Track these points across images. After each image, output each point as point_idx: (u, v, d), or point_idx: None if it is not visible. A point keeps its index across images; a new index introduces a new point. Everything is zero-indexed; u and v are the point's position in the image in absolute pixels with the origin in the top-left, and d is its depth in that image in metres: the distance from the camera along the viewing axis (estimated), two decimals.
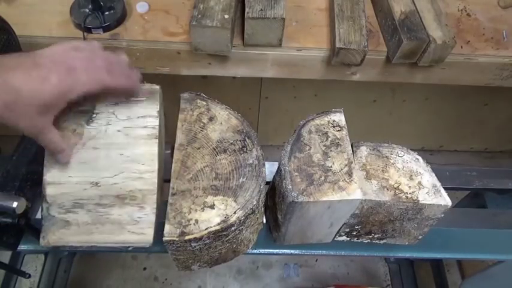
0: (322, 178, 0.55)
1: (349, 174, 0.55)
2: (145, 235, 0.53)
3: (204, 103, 0.63)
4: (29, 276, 0.79)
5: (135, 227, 0.53)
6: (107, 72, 0.51)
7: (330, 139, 0.59)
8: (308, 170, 0.55)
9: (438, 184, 0.59)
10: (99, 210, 0.53)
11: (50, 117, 0.50)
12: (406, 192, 0.57)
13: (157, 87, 0.59)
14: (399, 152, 0.62)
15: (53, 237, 0.53)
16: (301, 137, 0.59)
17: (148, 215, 0.54)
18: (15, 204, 0.52)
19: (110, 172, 0.54)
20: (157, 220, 0.55)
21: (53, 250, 1.13)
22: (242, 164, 0.57)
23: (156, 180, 0.54)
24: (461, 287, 1.12)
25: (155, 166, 0.55)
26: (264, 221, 0.67)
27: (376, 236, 0.66)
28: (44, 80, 0.46)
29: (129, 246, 0.54)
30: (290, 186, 0.53)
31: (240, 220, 0.53)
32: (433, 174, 0.60)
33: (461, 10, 1.03)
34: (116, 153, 0.54)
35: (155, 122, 0.56)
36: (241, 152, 0.58)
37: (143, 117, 0.56)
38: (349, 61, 0.90)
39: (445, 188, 0.58)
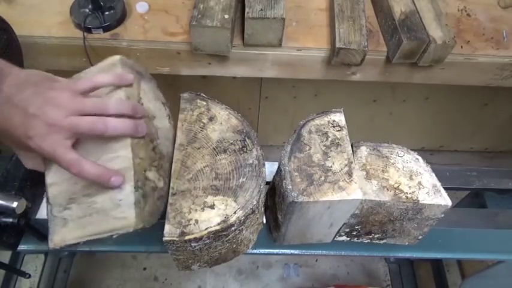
0: (322, 178, 0.55)
1: (349, 174, 0.55)
2: (127, 219, 0.49)
3: (204, 103, 0.63)
4: (29, 276, 0.79)
5: (118, 212, 0.50)
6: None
7: (330, 139, 0.59)
8: (308, 170, 0.55)
9: (438, 184, 0.58)
10: (86, 201, 0.51)
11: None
12: (406, 192, 0.57)
13: (117, 57, 0.55)
14: (399, 152, 0.62)
15: (56, 237, 0.52)
16: (301, 137, 0.59)
17: (128, 195, 0.50)
18: (15, 204, 0.52)
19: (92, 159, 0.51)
20: (140, 199, 0.50)
21: (57, 250, 1.13)
22: (242, 164, 0.57)
23: (130, 156, 0.50)
24: (461, 287, 1.12)
25: (128, 140, 0.51)
26: (264, 221, 0.67)
27: (376, 236, 0.66)
28: (28, 138, 0.46)
29: (113, 235, 0.50)
30: (290, 186, 0.53)
31: (240, 220, 0.53)
32: (433, 174, 0.60)
33: (461, 10, 1.03)
34: (94, 141, 0.52)
35: (121, 94, 0.53)
36: (241, 152, 0.58)
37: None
38: (349, 61, 0.90)
39: (445, 188, 0.58)
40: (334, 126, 0.60)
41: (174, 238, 0.50)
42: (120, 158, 0.50)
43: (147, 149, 0.52)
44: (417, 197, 0.57)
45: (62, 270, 1.40)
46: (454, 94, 1.49)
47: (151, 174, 0.52)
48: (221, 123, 0.61)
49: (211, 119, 0.61)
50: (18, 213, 0.54)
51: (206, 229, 0.51)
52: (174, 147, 0.58)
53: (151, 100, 0.57)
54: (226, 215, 0.52)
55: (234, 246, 0.59)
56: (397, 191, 0.57)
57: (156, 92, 0.60)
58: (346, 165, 0.56)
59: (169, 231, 0.51)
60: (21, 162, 0.54)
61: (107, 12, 0.90)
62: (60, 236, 0.51)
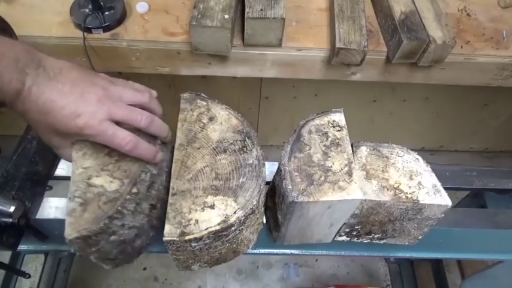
0: (322, 178, 0.55)
1: (349, 174, 0.55)
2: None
3: (204, 103, 0.63)
4: (29, 276, 0.79)
5: None
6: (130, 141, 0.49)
7: (330, 139, 0.59)
8: (308, 170, 0.55)
9: (438, 184, 0.59)
10: None
11: (68, 140, 0.50)
12: (406, 192, 0.57)
13: None
14: (399, 152, 0.62)
15: None
16: (301, 137, 0.59)
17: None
18: (12, 209, 0.53)
19: None
20: (75, 208, 0.50)
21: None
22: (242, 164, 0.57)
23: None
24: (461, 287, 1.12)
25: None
26: (264, 221, 0.67)
27: (376, 236, 0.66)
28: (77, 116, 0.45)
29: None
30: (290, 186, 0.53)
31: (240, 220, 0.53)
32: (433, 174, 0.60)
33: (461, 10, 1.03)
34: None
35: None
36: (241, 152, 0.58)
37: None
38: (349, 61, 0.90)
39: (445, 188, 0.58)
40: (334, 126, 0.61)
41: (174, 238, 0.50)
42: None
43: (98, 156, 0.53)
44: (417, 197, 0.57)
45: (62, 270, 1.40)
46: (454, 94, 1.49)
47: (100, 180, 0.51)
48: (221, 123, 0.61)
49: (211, 119, 0.61)
50: (15, 218, 0.54)
51: (206, 229, 0.51)
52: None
53: None
54: (227, 215, 0.52)
55: (234, 246, 0.59)
56: (397, 191, 0.57)
57: None
58: (346, 165, 0.56)
59: (170, 231, 0.51)
60: (62, 158, 0.54)
61: (107, 12, 0.90)
62: None
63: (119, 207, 0.49)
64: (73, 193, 0.50)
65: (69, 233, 0.47)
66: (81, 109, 0.45)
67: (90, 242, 0.49)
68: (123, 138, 0.48)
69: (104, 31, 0.90)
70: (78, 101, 0.45)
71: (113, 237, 0.51)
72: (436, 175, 0.59)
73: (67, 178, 0.70)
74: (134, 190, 0.51)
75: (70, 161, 0.53)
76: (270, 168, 0.68)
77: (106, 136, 0.47)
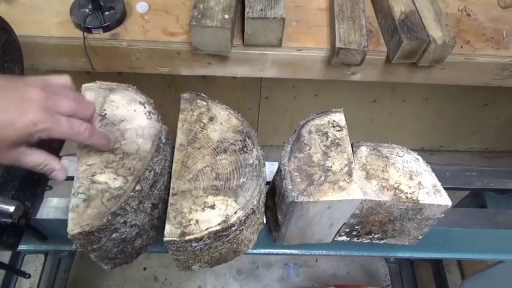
0: (322, 178, 0.55)
1: (349, 174, 0.55)
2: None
3: (204, 103, 0.63)
4: (29, 276, 0.79)
5: None
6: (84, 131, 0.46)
7: (330, 139, 0.59)
8: (308, 170, 0.55)
9: (438, 184, 0.59)
10: None
11: (22, 147, 0.45)
12: (406, 192, 0.57)
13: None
14: (399, 152, 0.62)
15: None
16: (301, 137, 0.59)
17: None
18: (12, 209, 0.53)
19: None
20: (78, 204, 0.50)
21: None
22: (242, 164, 0.57)
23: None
24: (461, 287, 1.12)
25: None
26: (264, 221, 0.67)
27: (376, 236, 0.66)
28: (23, 113, 0.42)
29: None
30: (290, 186, 0.53)
31: (241, 220, 0.53)
32: (433, 174, 0.60)
33: (461, 10, 1.04)
34: None
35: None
36: (242, 152, 0.58)
37: None
38: (349, 61, 0.90)
39: (445, 188, 0.58)
40: (334, 126, 0.61)
41: (175, 238, 0.50)
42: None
43: (102, 153, 0.54)
44: (417, 197, 0.57)
45: (62, 270, 1.40)
46: (454, 94, 1.49)
47: (103, 177, 0.52)
48: (221, 123, 0.61)
49: (211, 119, 0.62)
50: (15, 218, 0.54)
51: (207, 229, 0.51)
52: (154, 143, 0.56)
53: (120, 107, 0.58)
54: (227, 215, 0.52)
55: (235, 246, 0.59)
56: (397, 191, 0.57)
57: (133, 96, 0.60)
58: (346, 165, 0.56)
59: (170, 231, 0.51)
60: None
61: (107, 12, 0.90)
62: None
63: (123, 204, 0.50)
64: (76, 189, 0.51)
65: (72, 228, 0.48)
66: (26, 106, 0.42)
67: (92, 238, 0.49)
68: (79, 126, 0.46)
69: (104, 31, 0.90)
70: (19, 101, 0.42)
71: (114, 235, 0.51)
72: (436, 175, 0.59)
73: (67, 178, 0.70)
74: (138, 187, 0.51)
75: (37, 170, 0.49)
76: (270, 168, 0.68)
77: (62, 127, 0.44)
